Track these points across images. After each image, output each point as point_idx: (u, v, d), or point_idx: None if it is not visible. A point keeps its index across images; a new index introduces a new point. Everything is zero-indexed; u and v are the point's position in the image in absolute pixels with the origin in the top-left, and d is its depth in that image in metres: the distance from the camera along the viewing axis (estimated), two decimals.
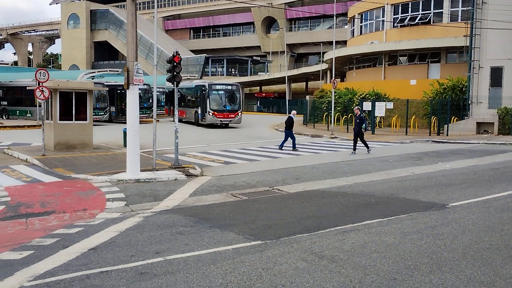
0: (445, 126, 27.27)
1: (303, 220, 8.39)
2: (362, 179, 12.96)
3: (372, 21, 42.98)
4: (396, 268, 5.85)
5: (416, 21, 38.74)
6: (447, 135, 26.58)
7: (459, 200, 9.88)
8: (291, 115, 21.41)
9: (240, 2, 65.63)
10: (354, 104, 30.20)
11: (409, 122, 28.36)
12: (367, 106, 29.16)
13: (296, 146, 20.36)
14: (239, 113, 32.40)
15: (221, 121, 31.50)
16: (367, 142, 19.05)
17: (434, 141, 23.98)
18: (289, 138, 20.39)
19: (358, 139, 18.62)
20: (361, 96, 33.58)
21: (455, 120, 28.47)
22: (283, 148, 20.30)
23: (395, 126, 30.22)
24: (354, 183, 12.36)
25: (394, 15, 40.41)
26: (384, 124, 32.34)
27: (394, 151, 19.78)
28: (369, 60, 42.04)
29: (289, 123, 20.74)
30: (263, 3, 76.75)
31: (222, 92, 32.21)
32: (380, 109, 28.59)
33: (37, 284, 5.35)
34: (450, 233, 7.42)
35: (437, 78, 34.12)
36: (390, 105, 29.42)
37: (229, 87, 32.74)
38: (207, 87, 31.50)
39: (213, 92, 31.44)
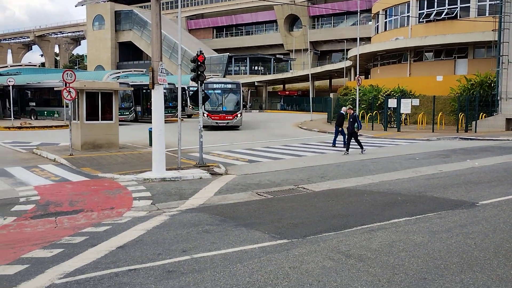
0: (473, 122, 26.72)
1: (329, 218, 8.32)
2: (388, 177, 12.80)
3: (397, 16, 42.38)
4: (425, 268, 5.75)
5: (442, 16, 38.04)
6: (475, 131, 26.04)
7: (489, 198, 9.66)
8: (342, 111, 21.57)
9: (263, 0, 65.67)
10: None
11: (435, 119, 27.88)
12: (392, 103, 28.78)
13: (336, 143, 20.71)
14: (238, 115, 29.57)
15: (216, 122, 28.98)
16: (362, 142, 18.60)
17: (462, 138, 23.52)
18: (340, 134, 20.87)
19: (352, 138, 18.01)
20: (386, 93, 33.17)
21: (483, 116, 27.86)
22: (336, 145, 20.62)
23: (421, 123, 29.76)
24: (380, 181, 12.20)
25: (419, 10, 39.76)
26: (410, 121, 31.89)
27: (420, 149, 19.47)
28: (394, 56, 41.49)
29: (340, 120, 20.91)
30: (286, 1, 76.58)
31: (219, 91, 29.66)
32: (406, 106, 28.17)
33: (67, 281, 5.44)
34: (481, 232, 7.26)
35: (464, 74, 33.44)
36: (416, 102, 28.97)
37: (227, 86, 29.97)
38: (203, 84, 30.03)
39: (208, 91, 28.14)
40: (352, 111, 18.47)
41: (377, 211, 8.87)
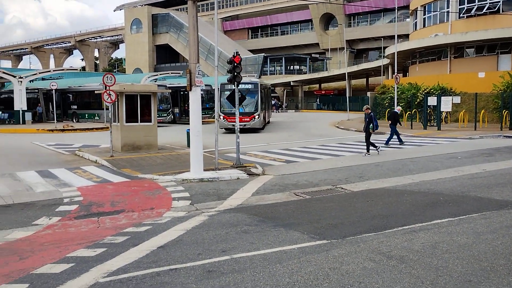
0: None
1: (369, 219, 8.20)
2: (429, 176, 12.50)
3: (436, 12, 41.37)
4: (470, 270, 5.58)
5: (484, 10, 36.89)
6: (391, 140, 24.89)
7: None
8: (395, 110, 21.38)
9: (298, 0, 65.33)
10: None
11: (478, 116, 27.06)
12: (432, 101, 28.10)
13: (389, 142, 20.60)
14: (256, 116, 27.77)
15: (233, 125, 26.88)
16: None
17: (506, 136, 22.73)
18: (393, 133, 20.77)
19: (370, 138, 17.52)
20: (425, 91, 32.43)
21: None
22: (389, 143, 20.52)
23: (463, 121, 28.95)
24: (420, 181, 11.94)
25: (459, 5, 38.69)
26: (451, 120, 31.07)
27: (462, 147, 18.94)
28: (433, 53, 40.52)
29: (394, 119, 20.80)
30: (321, 0, 75.99)
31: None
32: (446, 104, 27.44)
33: (111, 280, 5.56)
34: None
35: (508, 69, 32.30)
36: (457, 100, 28.20)
37: (245, 86, 27.52)
38: (219, 86, 28.08)
39: (225, 92, 26.61)
40: (369, 111, 17.74)
41: (418, 211, 8.68)
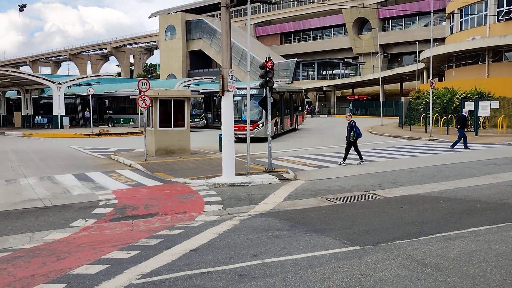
0: None
1: (403, 226, 8.05)
2: (466, 183, 12.19)
3: (474, 15, 40.43)
4: (509, 279, 5.41)
5: None
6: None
7: None
8: (463, 113, 21.47)
9: (331, 5, 65.01)
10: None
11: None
12: (469, 106, 27.41)
13: (468, 145, 20.65)
14: (261, 124, 25.14)
15: (235, 134, 23.74)
16: (360, 151, 16.99)
17: None
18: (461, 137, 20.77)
19: (352, 148, 16.68)
20: (462, 96, 31.69)
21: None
22: (455, 147, 20.67)
23: (501, 127, 28.12)
24: (456, 187, 11.66)
25: (498, 8, 37.71)
26: (489, 125, 30.23)
27: (501, 154, 18.39)
28: (471, 57, 39.59)
29: (463, 122, 20.88)
30: (355, 4, 75.47)
31: (238, 98, 24.58)
32: (484, 108, 26.74)
33: (144, 282, 5.64)
34: None
35: None
36: (496, 104, 27.42)
37: (252, 92, 23.64)
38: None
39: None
40: (350, 118, 16.82)
41: (454, 218, 8.47)
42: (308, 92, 67.81)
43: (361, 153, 16.95)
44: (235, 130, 23.19)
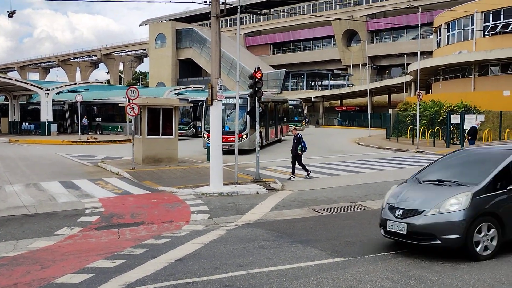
0: None
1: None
2: None
3: (460, 30, 41.09)
4: None
5: (510, 28, 36.48)
6: None
7: None
8: (474, 124, 21.90)
9: (320, 16, 65.69)
10: (440, 116, 28.95)
11: (502, 135, 26.60)
12: (455, 119, 27.76)
13: None
14: (245, 135, 23.78)
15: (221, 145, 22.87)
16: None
17: None
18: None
19: (296, 162, 16.22)
20: (449, 109, 32.05)
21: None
22: None
23: (487, 140, 28.46)
24: None
25: (484, 23, 38.36)
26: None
27: None
28: (457, 70, 40.15)
29: (474, 134, 21.30)
30: (344, 16, 76.17)
31: (222, 107, 23.26)
32: (470, 122, 27.03)
33: None
34: None
35: None
36: (481, 118, 27.76)
37: (232, 101, 22.76)
38: (204, 100, 24.11)
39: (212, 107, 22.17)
40: (296, 132, 16.58)
41: None
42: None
43: (348, 164, 17.04)
44: None
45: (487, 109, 30.77)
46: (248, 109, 22.87)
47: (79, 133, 34.55)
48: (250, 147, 23.68)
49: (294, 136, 16.37)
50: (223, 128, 22.12)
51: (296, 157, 16.13)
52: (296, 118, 43.50)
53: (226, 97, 21.44)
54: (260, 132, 25.30)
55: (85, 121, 39.19)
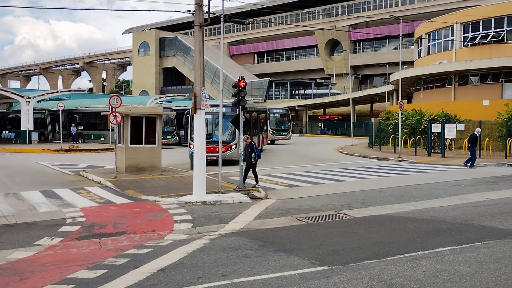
0: None
1: (371, 246, 8.16)
2: (433, 204, 12.46)
3: (441, 40, 41.78)
4: None
5: (488, 39, 37.22)
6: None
7: None
8: (475, 132, 22.65)
9: (304, 26, 66.20)
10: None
11: (482, 144, 27.02)
12: (436, 128, 28.15)
13: (474, 165, 21.60)
14: (233, 146, 22.86)
15: (206, 156, 19.90)
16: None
17: (510, 165, 22.66)
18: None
19: (251, 170, 15.81)
20: (430, 118, 32.49)
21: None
22: (474, 165, 21.72)
23: (467, 149, 28.88)
24: (423, 208, 11.90)
25: (464, 34, 39.09)
26: (455, 147, 31.02)
27: (466, 175, 18.89)
28: (438, 80, 40.76)
29: (473, 141, 21.97)
30: (327, 26, 76.95)
31: (209, 116, 21.89)
32: (451, 131, 27.47)
33: None
34: None
35: None
36: (461, 127, 28.21)
37: (215, 110, 21.03)
38: (190, 109, 22.88)
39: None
40: (249, 141, 16.09)
41: (420, 239, 8.64)
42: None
43: (331, 173, 17.12)
44: (206, 152, 19.63)
45: (467, 118, 31.28)
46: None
47: (61, 141, 34.14)
48: (238, 157, 22.72)
49: (247, 145, 15.80)
50: (211, 138, 22.17)
51: (251, 165, 15.75)
52: (282, 127, 43.40)
53: (213, 106, 21.62)
54: (238, 144, 24.91)
55: (73, 129, 38.62)
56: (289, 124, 44.94)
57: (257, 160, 15.85)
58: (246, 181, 15.47)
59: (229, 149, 22.85)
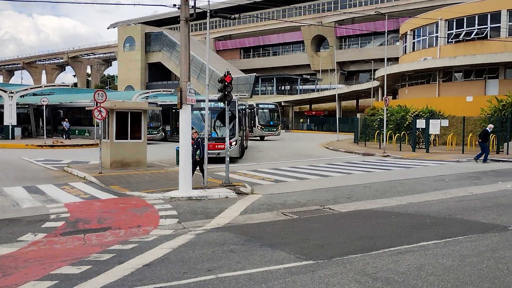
0: (505, 144, 26.09)
1: (356, 240, 8.22)
2: (417, 199, 12.58)
3: (425, 37, 42.13)
4: None
5: (472, 36, 37.63)
6: (507, 153, 25.41)
7: None
8: (487, 128, 23.06)
9: (290, 22, 66.27)
10: (404, 121, 29.56)
11: (465, 140, 27.37)
12: (421, 123, 28.42)
13: (487, 159, 22.08)
14: (233, 142, 21.84)
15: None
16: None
17: (493, 160, 22.98)
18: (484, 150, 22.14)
19: (198, 167, 15.07)
20: (414, 114, 32.79)
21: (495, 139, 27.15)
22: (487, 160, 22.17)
23: (451, 144, 29.23)
24: (408, 203, 12.01)
25: (448, 30, 39.47)
26: (439, 142, 31.37)
27: (450, 170, 19.10)
28: (422, 76, 41.13)
29: (483, 136, 22.31)
30: (313, 22, 77.08)
31: (208, 112, 18.69)
32: (435, 126, 27.76)
33: None
34: None
35: (495, 94, 32.85)
36: (445, 123, 28.52)
37: (219, 104, 20.40)
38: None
39: (194, 112, 19.94)
40: (197, 135, 15.10)
41: (405, 233, 8.72)
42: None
43: (317, 168, 17.18)
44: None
45: (451, 114, 31.63)
46: (237, 113, 21.83)
47: (45, 137, 33.72)
48: (237, 154, 22.60)
49: (194, 141, 14.71)
50: (210, 135, 20.32)
51: (197, 163, 14.91)
52: (271, 123, 43.26)
53: (211, 101, 19.92)
54: (241, 136, 24.58)
55: (66, 124, 37.93)
56: (278, 120, 44.83)
57: (203, 157, 14.68)
58: (230, 177, 15.44)
59: (230, 146, 20.33)
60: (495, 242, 7.89)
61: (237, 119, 21.94)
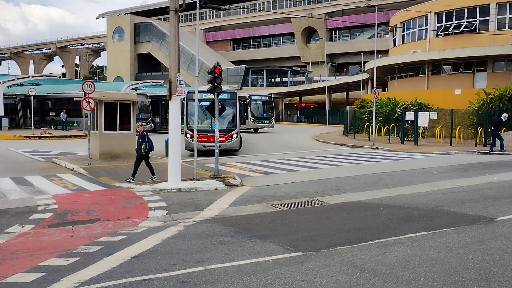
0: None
1: (344, 232, 8.27)
2: (405, 191, 12.68)
3: (415, 29, 42.23)
4: (441, 284, 5.67)
5: (461, 29, 37.78)
6: (494, 146, 25.62)
7: (508, 214, 9.49)
8: (502, 117, 23.63)
9: (280, 13, 66.02)
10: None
11: (453, 132, 27.59)
12: (409, 116, 28.58)
13: (503, 146, 22.74)
14: (234, 135, 21.37)
15: (204, 146, 20.34)
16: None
17: (480, 153, 23.21)
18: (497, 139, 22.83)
19: (144, 162, 14.34)
20: (403, 106, 32.96)
21: (503, 130, 27.45)
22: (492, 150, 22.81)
23: (439, 137, 29.46)
24: (396, 195, 12.10)
25: (437, 23, 39.58)
26: (428, 135, 31.58)
27: (438, 163, 19.26)
28: (412, 69, 41.28)
29: (496, 125, 22.90)
30: (303, 14, 76.91)
31: (207, 103, 18.57)
32: (424, 119, 27.94)
33: None
34: (499, 248, 7.14)
35: (484, 87, 33.06)
36: (434, 115, 28.71)
37: (224, 96, 20.25)
38: (185, 96, 20.16)
39: (193, 103, 18.55)
40: (142, 128, 14.39)
41: (393, 225, 8.79)
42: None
43: (306, 160, 17.22)
44: (204, 141, 20.38)
45: (439, 107, 31.81)
46: (238, 105, 21.86)
47: (32, 127, 33.40)
48: (237, 147, 22.32)
49: (139, 134, 14.22)
50: (210, 127, 20.48)
51: (142, 157, 14.21)
52: (264, 115, 42.67)
53: (206, 91, 19.25)
54: (238, 133, 23.19)
55: (63, 115, 37.30)
56: (272, 112, 44.22)
57: (149, 151, 14.21)
58: (220, 169, 15.43)
59: (230, 138, 21.22)
60: (481, 234, 7.99)
61: (238, 111, 21.73)
